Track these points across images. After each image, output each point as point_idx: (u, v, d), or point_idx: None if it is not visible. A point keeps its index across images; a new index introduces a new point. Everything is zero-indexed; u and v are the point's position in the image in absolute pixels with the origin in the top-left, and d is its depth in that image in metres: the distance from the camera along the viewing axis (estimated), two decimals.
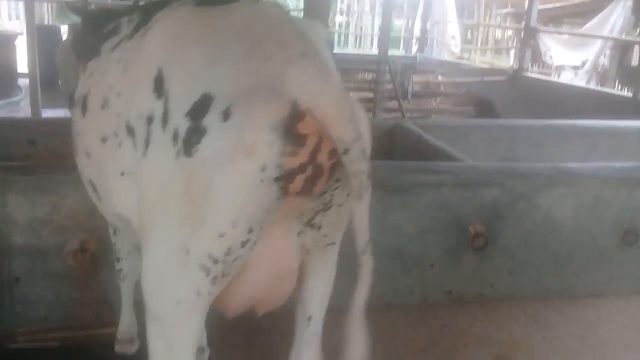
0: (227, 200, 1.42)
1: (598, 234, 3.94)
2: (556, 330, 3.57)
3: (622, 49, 12.75)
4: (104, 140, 1.77)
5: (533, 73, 11.26)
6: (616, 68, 12.57)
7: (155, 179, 1.52)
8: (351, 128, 1.34)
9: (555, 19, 15.17)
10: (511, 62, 13.96)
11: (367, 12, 22.01)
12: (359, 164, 1.39)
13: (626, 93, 8.73)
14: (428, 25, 17.47)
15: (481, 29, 17.84)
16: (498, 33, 18.43)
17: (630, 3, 10.94)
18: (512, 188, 3.84)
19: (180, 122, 1.44)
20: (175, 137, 1.45)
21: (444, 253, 3.78)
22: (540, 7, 11.21)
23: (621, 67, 12.65)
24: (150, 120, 1.54)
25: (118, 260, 2.87)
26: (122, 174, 1.70)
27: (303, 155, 1.35)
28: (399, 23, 25.32)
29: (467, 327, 3.59)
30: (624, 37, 11.55)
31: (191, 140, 1.41)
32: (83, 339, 3.25)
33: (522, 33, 11.54)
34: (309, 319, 1.94)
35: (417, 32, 18.05)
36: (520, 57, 10.48)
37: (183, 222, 1.48)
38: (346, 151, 1.35)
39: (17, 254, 3.20)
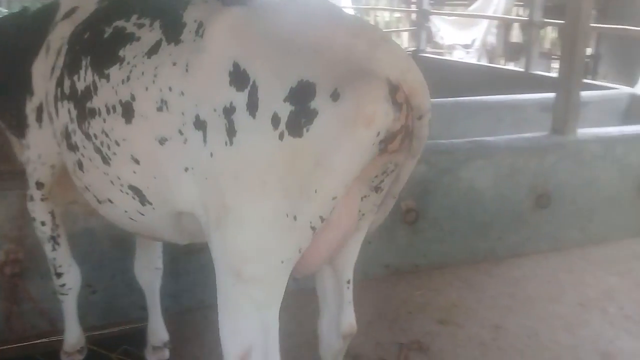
0: (343, 167, 1.67)
1: (516, 200, 4.26)
2: (488, 290, 3.84)
3: (506, 27, 13.64)
4: (162, 141, 1.84)
5: (428, 53, 11.74)
6: (502, 45, 13.43)
7: (251, 160, 1.67)
8: (427, 99, 1.69)
9: (439, 0, 15.89)
10: (403, 44, 14.45)
11: None
12: (426, 129, 1.72)
13: (517, 68, 9.37)
14: None
15: (372, 12, 18.32)
16: (386, 15, 19.04)
17: None
18: (437, 163, 4.05)
19: (280, 107, 1.61)
20: (275, 121, 1.62)
21: (379, 229, 3.90)
22: None
23: (506, 44, 13.54)
24: (229, 111, 1.68)
25: (59, 275, 2.78)
26: (186, 169, 1.81)
27: (402, 119, 1.65)
28: None
29: (408, 297, 3.77)
30: (506, 16, 12.34)
31: (299, 121, 1.60)
32: (20, 350, 3.06)
33: (416, 15, 11.99)
34: (348, 282, 2.25)
35: None
36: (417, 38, 10.88)
37: (286, 193, 1.68)
38: (420, 117, 1.69)
39: None
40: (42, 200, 2.59)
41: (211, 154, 1.74)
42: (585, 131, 4.62)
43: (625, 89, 6.50)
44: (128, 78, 1.92)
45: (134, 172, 1.98)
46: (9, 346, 3.05)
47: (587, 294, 3.83)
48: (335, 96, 1.59)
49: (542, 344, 3.31)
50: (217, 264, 1.82)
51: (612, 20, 9.40)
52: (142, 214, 2.08)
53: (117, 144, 1.98)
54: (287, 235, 1.76)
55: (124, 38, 2.00)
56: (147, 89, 1.87)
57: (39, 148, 2.50)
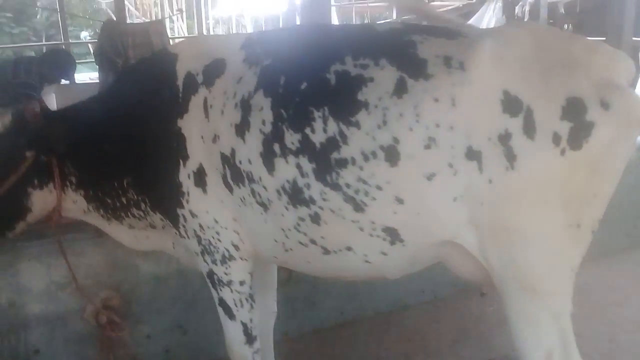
0: (619, 167, 1.89)
1: None
2: None
3: None
4: (430, 177, 1.91)
5: None
6: None
7: (540, 179, 1.83)
8: None
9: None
10: None
11: None
12: None
13: None
14: None
15: None
16: None
17: (500, 4, 12.08)
18: None
19: (559, 126, 1.80)
20: (555, 139, 1.80)
21: None
22: None
23: None
24: (504, 137, 1.83)
25: (253, 340, 2.49)
26: (455, 199, 1.91)
27: None
28: None
29: (481, 314, 3.82)
30: None
31: (579, 135, 1.80)
32: None
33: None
34: None
35: None
36: None
37: (566, 205, 1.86)
38: None
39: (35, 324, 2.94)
40: (241, 259, 2.39)
41: (490, 181, 1.87)
42: None
43: None
44: (384, 122, 1.93)
45: (395, 213, 2.00)
46: None
47: None
48: (605, 106, 1.80)
49: (622, 346, 3.38)
50: (505, 279, 1.96)
51: (588, 34, 9.72)
52: (384, 254, 2.11)
53: (379, 188, 1.97)
54: (574, 244, 1.93)
55: (354, 81, 1.99)
56: (411, 129, 1.90)
57: (212, 213, 2.31)
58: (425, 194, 1.94)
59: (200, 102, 2.27)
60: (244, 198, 2.21)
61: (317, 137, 2.00)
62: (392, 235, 2.06)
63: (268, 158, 2.10)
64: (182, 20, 18.36)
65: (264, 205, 2.16)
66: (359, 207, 2.01)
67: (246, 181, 2.17)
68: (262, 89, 2.14)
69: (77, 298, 2.96)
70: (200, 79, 2.30)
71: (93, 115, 2.53)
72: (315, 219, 2.08)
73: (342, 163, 1.98)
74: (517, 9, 11.75)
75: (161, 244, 2.65)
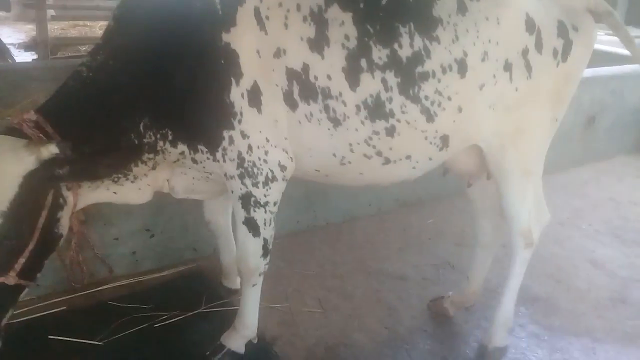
0: (580, 75, 2.54)
1: None
2: None
3: None
4: (481, 87, 2.25)
5: None
6: None
7: (543, 86, 2.38)
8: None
9: None
10: None
11: None
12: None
13: None
14: None
15: None
16: None
17: None
18: None
19: (556, 43, 2.38)
20: (554, 53, 2.38)
21: None
22: None
23: None
24: (525, 52, 2.32)
25: (268, 253, 2.50)
26: (490, 106, 2.30)
27: None
28: None
29: (422, 226, 4.21)
30: None
31: (566, 50, 2.41)
32: (87, 298, 3.09)
33: None
34: None
35: None
36: None
37: (553, 105, 2.47)
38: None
39: None
40: (283, 180, 2.36)
41: (516, 89, 2.31)
42: None
43: None
44: (457, 37, 2.19)
45: (454, 122, 2.29)
46: (77, 294, 3.05)
47: (561, 215, 4.46)
48: (575, 28, 2.42)
49: (542, 256, 3.86)
50: (511, 170, 2.51)
51: None
52: (430, 159, 2.42)
53: (450, 99, 2.23)
54: (551, 134, 2.58)
55: None
56: (474, 44, 2.21)
57: (265, 132, 2.23)
58: (476, 102, 2.26)
59: (250, 13, 2.14)
60: (310, 114, 2.20)
61: (404, 52, 2.16)
62: (444, 141, 2.34)
63: (352, 73, 2.14)
64: None
65: (336, 121, 2.21)
66: (430, 118, 2.23)
67: (319, 97, 2.17)
68: (335, 3, 2.15)
69: None
70: None
71: (96, 81, 2.16)
72: (390, 131, 2.24)
73: (425, 76, 2.18)
74: None
75: (158, 184, 2.52)
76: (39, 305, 2.94)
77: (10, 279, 1.93)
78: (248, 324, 2.64)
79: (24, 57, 8.01)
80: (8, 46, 8.11)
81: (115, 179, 2.32)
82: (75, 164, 1.95)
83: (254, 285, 2.56)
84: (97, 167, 2.02)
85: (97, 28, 9.44)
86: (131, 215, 3.22)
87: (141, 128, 2.24)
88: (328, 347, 2.86)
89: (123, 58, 2.16)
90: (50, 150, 1.90)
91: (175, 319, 2.91)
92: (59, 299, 3.01)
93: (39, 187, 1.94)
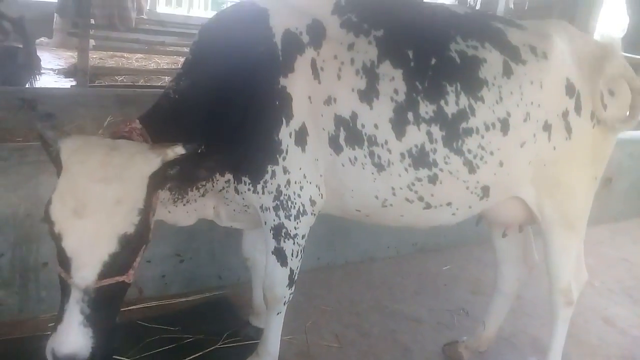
0: (615, 138, 2.75)
1: None
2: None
3: None
4: (522, 144, 2.45)
5: None
6: None
7: (582, 146, 2.59)
8: None
9: None
10: None
11: None
12: None
13: None
14: None
15: None
16: None
17: None
18: None
19: (590, 107, 2.56)
20: (591, 117, 2.58)
21: None
22: None
23: None
24: (565, 114, 2.53)
25: (293, 284, 2.66)
26: (529, 162, 2.50)
27: None
28: None
29: (438, 272, 4.32)
30: None
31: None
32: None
33: None
34: None
35: None
36: None
37: (592, 163, 2.67)
38: None
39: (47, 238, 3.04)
40: (312, 215, 2.53)
41: (554, 148, 2.51)
42: None
43: None
44: (501, 98, 2.40)
45: (495, 174, 2.48)
46: None
47: None
48: (611, 93, 2.67)
49: None
50: (551, 221, 2.68)
51: None
52: (470, 207, 2.60)
53: (492, 153, 2.42)
54: (593, 191, 2.76)
55: (473, 61, 2.41)
56: (517, 105, 2.42)
57: (304, 170, 2.41)
58: (516, 158, 2.46)
59: (307, 62, 2.35)
60: (354, 158, 2.38)
61: (450, 109, 2.36)
62: (485, 192, 2.52)
63: (399, 124, 2.34)
64: None
65: (380, 166, 2.38)
66: (473, 169, 2.42)
67: (365, 144, 2.36)
68: (388, 60, 2.35)
69: None
70: (305, 39, 2.36)
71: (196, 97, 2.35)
72: (433, 179, 2.41)
73: (469, 132, 2.37)
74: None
75: (204, 211, 2.69)
76: None
77: (130, 277, 2.04)
78: (271, 351, 2.77)
79: (63, 83, 8.33)
80: (48, 70, 8.49)
81: (175, 199, 2.50)
82: (184, 165, 2.08)
83: (278, 313, 2.71)
84: (199, 169, 2.16)
85: (134, 60, 9.85)
86: (164, 240, 3.39)
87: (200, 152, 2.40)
88: None
89: (199, 87, 2.35)
90: (177, 151, 2.03)
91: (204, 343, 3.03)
92: None
93: (155, 188, 2.06)
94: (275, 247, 2.55)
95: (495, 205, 2.66)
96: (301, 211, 2.49)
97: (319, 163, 2.43)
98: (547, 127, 2.49)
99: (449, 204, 2.52)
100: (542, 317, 3.73)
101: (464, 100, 2.36)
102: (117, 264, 1.92)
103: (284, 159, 2.38)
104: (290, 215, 2.48)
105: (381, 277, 4.10)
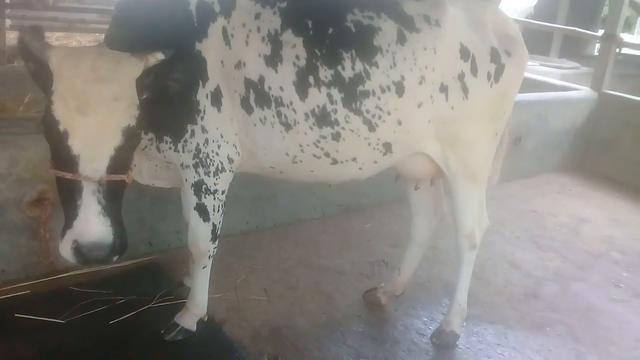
0: (515, 93, 3.01)
1: None
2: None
3: None
4: (419, 105, 2.64)
5: None
6: None
7: (480, 104, 2.82)
8: None
9: None
10: None
11: None
12: None
13: None
14: None
15: None
16: None
17: None
18: None
19: (489, 67, 2.80)
20: (488, 76, 2.81)
21: None
22: None
23: None
24: (461, 76, 2.74)
25: (216, 238, 2.84)
26: (429, 121, 2.70)
27: None
28: None
29: (361, 229, 4.60)
30: None
31: (498, 73, 2.82)
32: (51, 283, 3.31)
33: None
34: None
35: None
36: None
37: (492, 120, 2.92)
38: None
39: None
40: (230, 171, 2.72)
41: (452, 107, 2.74)
42: None
43: None
44: (394, 64, 2.58)
45: (394, 132, 2.67)
46: (42, 280, 3.29)
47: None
48: (508, 53, 2.87)
49: None
50: (455, 173, 2.94)
51: None
52: (375, 162, 2.79)
53: (389, 113, 2.62)
54: (494, 146, 3.04)
55: (368, 30, 2.58)
56: (411, 70, 2.60)
57: (220, 129, 2.60)
58: (415, 117, 2.68)
59: (219, 29, 2.52)
60: (264, 118, 2.57)
61: (347, 73, 2.55)
62: (387, 148, 2.73)
63: (301, 87, 2.53)
64: None
65: (287, 125, 2.58)
66: (372, 128, 2.63)
67: (273, 104, 2.54)
68: (289, 28, 2.54)
69: (15, 189, 3.16)
70: (217, 8, 2.54)
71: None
72: (336, 136, 2.62)
73: (365, 94, 2.58)
74: None
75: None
76: (5, 288, 3.17)
77: (129, 177, 2.26)
78: (199, 303, 2.95)
79: None
80: None
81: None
82: (157, 76, 2.29)
83: (204, 267, 2.90)
84: (169, 81, 2.35)
85: (54, 39, 9.57)
86: None
87: None
88: (272, 329, 3.18)
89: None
90: (157, 57, 2.24)
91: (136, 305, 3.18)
92: (24, 284, 3.23)
93: (139, 94, 2.21)
94: (197, 203, 2.72)
95: (405, 160, 2.91)
96: (219, 168, 2.67)
97: (233, 123, 2.61)
98: (443, 89, 2.71)
99: (354, 159, 2.75)
100: (454, 264, 4.06)
101: (359, 66, 2.56)
102: (121, 159, 2.15)
103: (202, 118, 2.56)
104: (210, 172, 2.66)
105: (308, 237, 4.33)
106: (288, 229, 4.41)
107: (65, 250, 2.10)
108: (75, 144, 2.04)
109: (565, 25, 10.28)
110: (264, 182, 4.07)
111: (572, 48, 11.85)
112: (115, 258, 2.21)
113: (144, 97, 2.26)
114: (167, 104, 2.51)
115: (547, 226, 5.17)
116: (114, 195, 2.17)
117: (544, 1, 11.46)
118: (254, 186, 4.14)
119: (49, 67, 2.07)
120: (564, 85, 7.18)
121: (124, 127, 2.10)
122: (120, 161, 2.14)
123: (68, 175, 2.08)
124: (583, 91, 6.92)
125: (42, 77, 2.11)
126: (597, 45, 17.10)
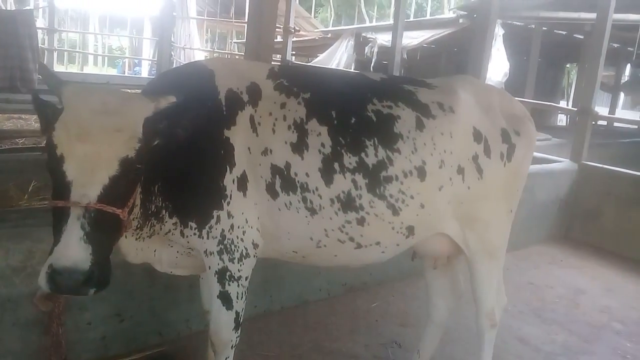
0: (527, 171, 3.12)
1: None
2: (420, 299, 4.79)
3: None
4: (440, 188, 2.71)
5: None
6: None
7: (495, 183, 2.92)
8: None
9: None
10: None
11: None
12: None
13: None
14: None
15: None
16: None
17: (352, 43, 13.40)
18: None
19: (502, 148, 2.94)
20: (501, 156, 2.94)
21: None
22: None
23: None
24: (475, 157, 2.86)
25: (238, 327, 2.79)
26: (448, 202, 2.77)
27: None
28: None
29: (368, 308, 4.56)
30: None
31: (510, 153, 2.97)
32: None
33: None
34: None
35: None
36: None
37: (506, 198, 3.02)
38: None
39: None
40: (254, 257, 2.71)
41: (468, 187, 2.81)
42: None
43: None
44: (415, 149, 2.68)
45: (417, 215, 2.72)
46: None
47: None
48: (517, 133, 3.02)
49: (474, 332, 4.31)
50: (474, 252, 2.99)
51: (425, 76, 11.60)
52: (398, 245, 2.82)
53: (412, 197, 2.68)
54: (509, 223, 3.13)
55: (388, 118, 2.70)
56: (431, 154, 2.70)
57: (245, 214, 2.61)
58: (436, 200, 2.74)
59: (246, 117, 2.62)
60: (289, 203, 2.60)
61: (370, 160, 2.63)
62: (410, 231, 2.77)
63: (327, 173, 2.59)
64: None
65: (313, 210, 2.61)
66: (396, 212, 2.67)
67: (298, 190, 2.59)
68: (314, 117, 2.64)
69: (29, 283, 3.06)
70: (245, 97, 2.64)
71: None
72: (361, 221, 2.65)
73: (389, 179, 2.65)
74: (367, 49, 13.14)
75: (147, 254, 2.78)
76: None
77: (126, 215, 2.15)
78: None
79: None
80: None
81: (133, 229, 2.58)
82: (168, 122, 2.28)
83: (226, 358, 2.82)
84: (177, 129, 2.31)
85: (33, 121, 9.50)
86: (104, 300, 3.38)
87: (156, 190, 2.55)
88: None
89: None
90: (169, 99, 2.28)
91: None
92: None
93: (148, 139, 2.20)
94: (220, 290, 2.69)
95: (425, 240, 2.95)
96: (244, 254, 2.67)
97: (257, 207, 2.65)
98: (460, 171, 2.81)
99: (377, 243, 2.78)
100: (466, 343, 4.06)
101: (382, 152, 2.66)
102: (116, 190, 2.07)
103: (228, 203, 2.58)
104: (234, 259, 2.65)
105: (316, 319, 4.27)
106: (296, 311, 4.35)
107: (41, 276, 1.93)
108: (70, 169, 2.00)
109: (533, 100, 10.78)
110: (272, 265, 4.04)
111: (537, 119, 12.38)
112: (92, 291, 1.98)
113: (156, 142, 2.28)
114: (194, 189, 2.55)
115: (546, 298, 5.22)
116: (103, 227, 2.03)
117: (513, 77, 12.06)
118: (261, 268, 4.09)
119: (61, 100, 2.12)
120: (545, 157, 7.43)
121: (121, 157, 2.06)
122: (115, 192, 2.06)
123: (60, 203, 2.00)
124: (564, 163, 7.19)
125: (51, 116, 2.09)
126: (559, 117, 18.12)
